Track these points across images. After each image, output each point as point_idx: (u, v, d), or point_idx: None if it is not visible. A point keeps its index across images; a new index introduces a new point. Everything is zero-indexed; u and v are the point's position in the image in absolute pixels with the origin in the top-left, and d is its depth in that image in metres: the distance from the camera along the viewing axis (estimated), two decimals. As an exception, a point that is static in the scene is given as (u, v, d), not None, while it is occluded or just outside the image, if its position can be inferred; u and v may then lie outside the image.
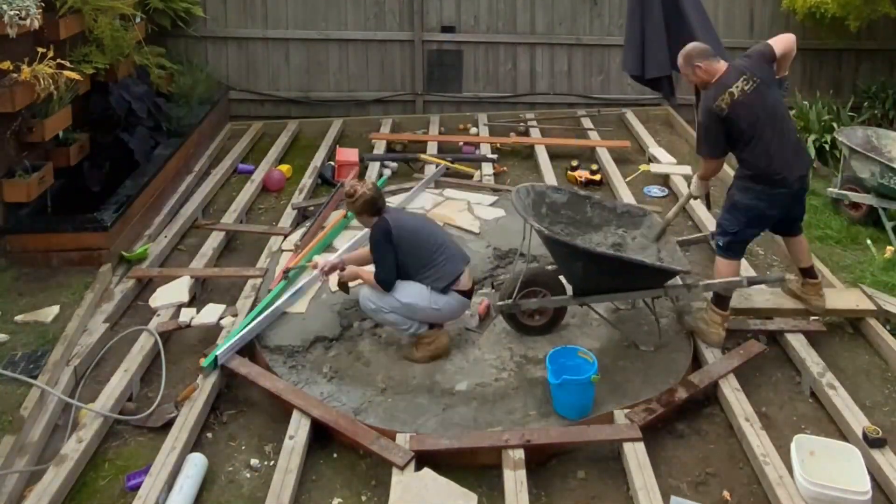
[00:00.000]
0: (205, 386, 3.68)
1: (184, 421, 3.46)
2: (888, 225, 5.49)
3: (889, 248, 5.26)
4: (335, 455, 3.44)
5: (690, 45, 4.01)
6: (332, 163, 6.52)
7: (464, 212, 5.45)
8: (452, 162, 6.46)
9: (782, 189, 3.87)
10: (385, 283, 3.78)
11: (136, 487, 3.14)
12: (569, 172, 6.46)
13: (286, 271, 4.50)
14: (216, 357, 3.76)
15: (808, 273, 4.25)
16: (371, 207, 3.84)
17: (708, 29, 5.43)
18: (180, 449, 3.30)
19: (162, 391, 3.76)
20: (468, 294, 3.94)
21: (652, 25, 5.35)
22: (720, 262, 4.04)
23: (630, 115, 7.85)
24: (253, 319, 4.06)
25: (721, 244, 4.03)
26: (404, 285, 3.80)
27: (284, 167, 6.56)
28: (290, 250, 4.89)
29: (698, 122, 4.01)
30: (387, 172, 6.51)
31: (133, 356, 3.94)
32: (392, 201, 5.59)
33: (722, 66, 3.88)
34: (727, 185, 6.28)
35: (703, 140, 3.96)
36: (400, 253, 3.78)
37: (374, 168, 6.43)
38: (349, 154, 6.47)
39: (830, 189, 5.96)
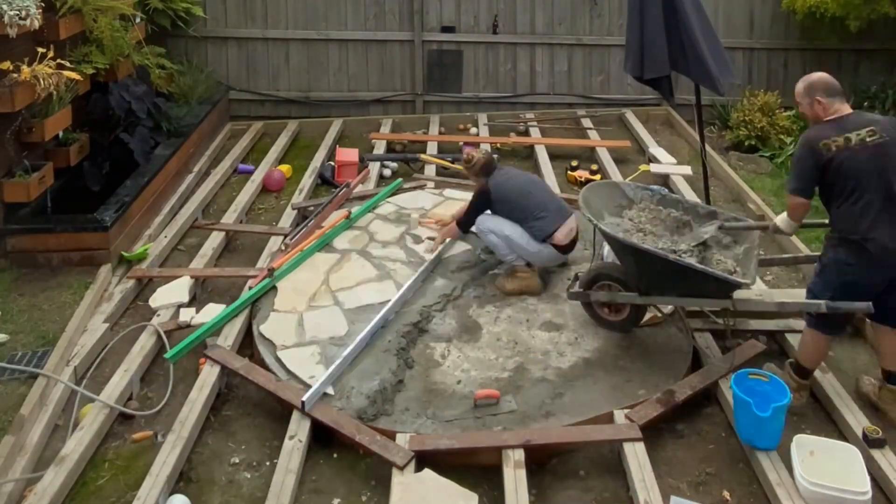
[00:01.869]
0: (205, 386, 3.68)
1: (184, 421, 3.46)
2: None
3: None
4: (335, 455, 3.44)
5: (818, 77, 3.59)
6: (332, 163, 6.52)
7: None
8: (452, 162, 6.47)
9: (874, 254, 3.35)
10: (463, 226, 4.69)
11: None
12: (569, 172, 6.46)
13: (271, 270, 4.51)
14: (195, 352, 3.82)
15: (890, 377, 3.66)
16: (485, 170, 4.59)
17: (708, 30, 5.41)
18: (180, 449, 3.30)
19: (170, 387, 3.79)
20: (565, 248, 4.50)
21: (651, 26, 5.32)
22: (807, 333, 3.69)
23: (630, 115, 7.85)
24: (224, 318, 4.11)
25: (812, 313, 3.61)
26: (510, 223, 4.43)
27: (284, 167, 6.56)
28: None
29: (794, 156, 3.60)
30: (386, 172, 6.51)
31: (133, 356, 3.94)
32: (399, 202, 5.59)
33: (846, 108, 3.52)
34: (728, 185, 6.33)
35: (793, 175, 3.56)
36: (502, 210, 4.47)
37: (374, 168, 6.42)
38: (349, 154, 6.47)
39: None
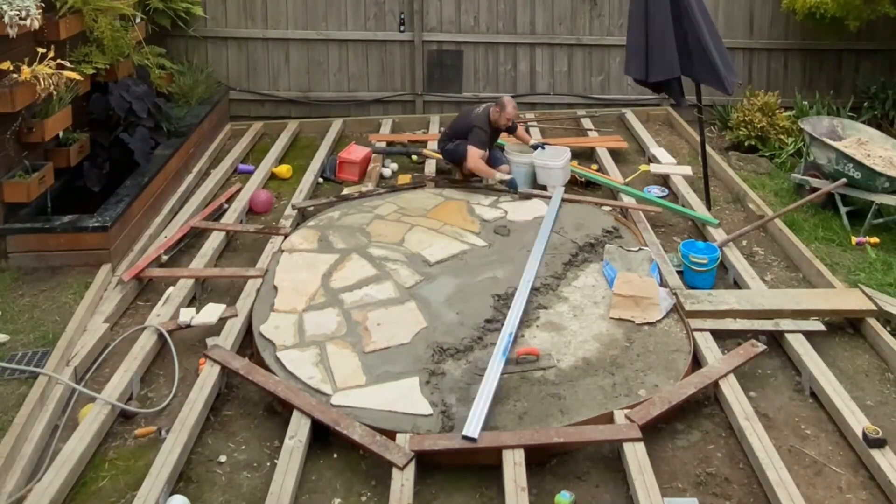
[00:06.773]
0: (205, 386, 3.68)
1: (184, 421, 3.46)
2: (843, 210, 5.66)
3: (853, 238, 5.40)
4: (335, 455, 3.44)
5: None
6: (335, 156, 6.53)
7: (464, 212, 5.45)
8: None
9: None
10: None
11: None
12: (569, 172, 6.45)
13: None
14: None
15: None
16: None
17: (713, 30, 5.39)
18: (181, 449, 3.30)
19: (175, 386, 3.80)
20: None
21: (657, 27, 5.24)
22: None
23: (630, 115, 7.85)
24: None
25: None
26: None
27: (284, 167, 6.56)
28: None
29: None
30: (386, 172, 6.51)
31: (133, 356, 3.94)
32: (399, 202, 5.59)
33: None
34: (727, 185, 6.33)
35: None
36: None
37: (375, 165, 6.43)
38: (356, 152, 6.44)
39: (794, 174, 6.10)
